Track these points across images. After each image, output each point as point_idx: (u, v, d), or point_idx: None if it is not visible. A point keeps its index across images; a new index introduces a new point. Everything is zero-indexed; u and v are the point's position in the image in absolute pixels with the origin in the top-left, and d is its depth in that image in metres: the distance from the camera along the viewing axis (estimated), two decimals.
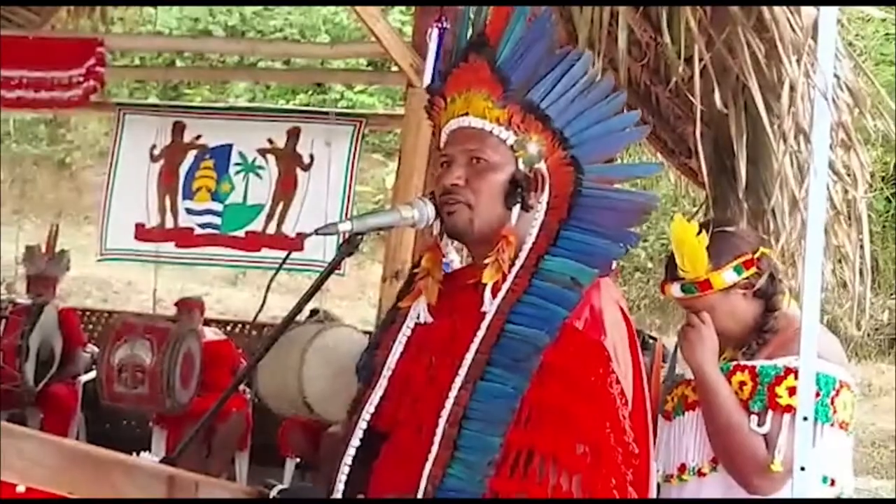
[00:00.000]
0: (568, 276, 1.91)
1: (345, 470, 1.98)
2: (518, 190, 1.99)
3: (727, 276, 2.64)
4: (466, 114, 2.04)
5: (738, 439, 2.55)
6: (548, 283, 1.91)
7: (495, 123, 2.01)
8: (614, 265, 2.14)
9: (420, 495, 1.84)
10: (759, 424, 2.55)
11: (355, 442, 2.00)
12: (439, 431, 1.86)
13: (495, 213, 2.00)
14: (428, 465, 1.85)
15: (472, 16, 2.10)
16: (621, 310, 1.99)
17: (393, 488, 1.91)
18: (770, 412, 2.54)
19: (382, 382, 2.02)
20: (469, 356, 1.89)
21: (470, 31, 2.10)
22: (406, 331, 2.05)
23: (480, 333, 1.91)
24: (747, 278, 2.65)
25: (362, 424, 2.00)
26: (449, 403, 1.87)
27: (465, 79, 2.06)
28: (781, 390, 2.53)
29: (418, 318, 2.04)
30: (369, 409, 2.01)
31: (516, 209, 2.00)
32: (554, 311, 1.89)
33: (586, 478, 1.83)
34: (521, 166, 2.00)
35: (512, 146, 2.01)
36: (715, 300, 2.65)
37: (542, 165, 2.01)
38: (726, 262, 2.64)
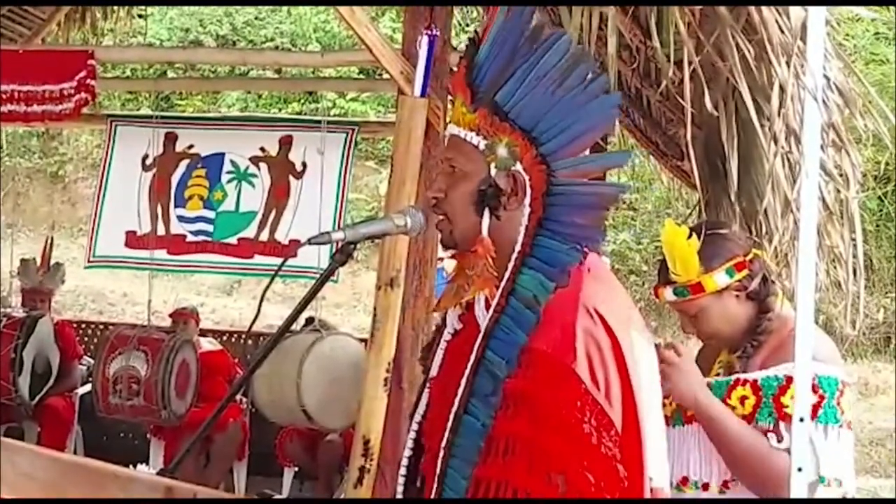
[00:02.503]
0: (531, 293, 1.86)
1: (401, 481, 2.03)
2: (485, 197, 1.92)
3: (719, 278, 2.63)
4: (450, 121, 2.01)
5: (764, 462, 2.48)
6: (517, 302, 1.87)
7: (467, 129, 1.94)
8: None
9: None
10: (779, 441, 2.49)
11: (407, 452, 2.04)
12: (439, 465, 1.87)
13: (469, 223, 1.94)
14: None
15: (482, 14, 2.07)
16: (601, 318, 1.84)
17: None
18: (782, 425, 2.49)
19: (426, 393, 2.05)
20: (463, 381, 1.88)
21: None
22: (447, 335, 2.05)
23: (472, 357, 1.88)
24: (740, 280, 2.63)
25: (412, 434, 2.03)
26: (446, 434, 1.88)
27: (455, 83, 2.03)
28: (787, 400, 2.49)
29: (451, 326, 2.04)
30: (417, 418, 2.04)
31: (486, 217, 1.93)
32: (515, 336, 1.84)
33: None
34: (493, 171, 1.92)
35: (483, 151, 1.93)
36: (707, 303, 2.64)
37: (518, 168, 1.92)
38: (718, 264, 2.63)
